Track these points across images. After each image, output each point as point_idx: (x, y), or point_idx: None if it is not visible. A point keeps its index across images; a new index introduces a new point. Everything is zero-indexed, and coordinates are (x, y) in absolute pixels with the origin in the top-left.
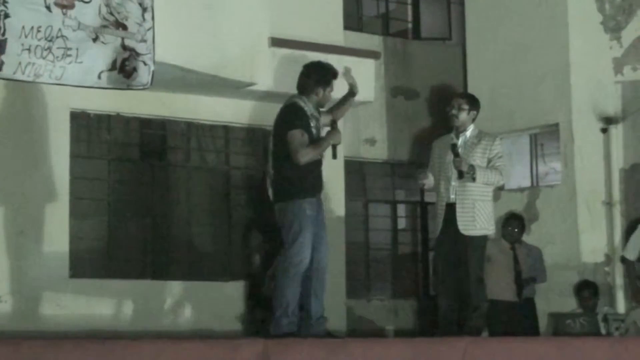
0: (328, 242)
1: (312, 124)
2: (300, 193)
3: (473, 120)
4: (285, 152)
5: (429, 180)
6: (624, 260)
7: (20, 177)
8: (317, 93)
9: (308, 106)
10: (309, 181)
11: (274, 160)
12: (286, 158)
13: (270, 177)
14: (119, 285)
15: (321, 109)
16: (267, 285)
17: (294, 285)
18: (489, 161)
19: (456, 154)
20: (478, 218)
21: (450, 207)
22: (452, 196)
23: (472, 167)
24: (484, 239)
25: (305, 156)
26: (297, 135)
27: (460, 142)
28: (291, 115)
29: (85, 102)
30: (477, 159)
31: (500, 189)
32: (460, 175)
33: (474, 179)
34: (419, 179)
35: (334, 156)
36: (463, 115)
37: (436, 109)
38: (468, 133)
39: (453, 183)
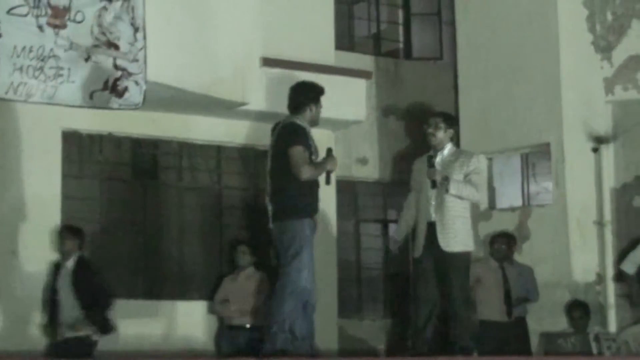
0: (318, 262)
1: (310, 142)
2: (301, 212)
3: (451, 138)
4: (286, 170)
5: (399, 237)
6: (619, 278)
7: (12, 197)
8: (311, 109)
9: (305, 124)
10: (309, 201)
11: (272, 180)
12: (287, 176)
13: (269, 196)
14: None
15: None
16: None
17: (292, 303)
18: (466, 176)
19: (431, 165)
20: (459, 235)
21: (431, 226)
22: (433, 215)
23: (446, 178)
24: (466, 255)
25: (306, 172)
26: (299, 151)
27: (438, 160)
28: (292, 133)
29: (77, 122)
30: (455, 175)
31: (491, 208)
32: (433, 185)
33: (447, 190)
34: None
35: (328, 182)
36: (440, 134)
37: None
38: (446, 151)
39: (433, 202)
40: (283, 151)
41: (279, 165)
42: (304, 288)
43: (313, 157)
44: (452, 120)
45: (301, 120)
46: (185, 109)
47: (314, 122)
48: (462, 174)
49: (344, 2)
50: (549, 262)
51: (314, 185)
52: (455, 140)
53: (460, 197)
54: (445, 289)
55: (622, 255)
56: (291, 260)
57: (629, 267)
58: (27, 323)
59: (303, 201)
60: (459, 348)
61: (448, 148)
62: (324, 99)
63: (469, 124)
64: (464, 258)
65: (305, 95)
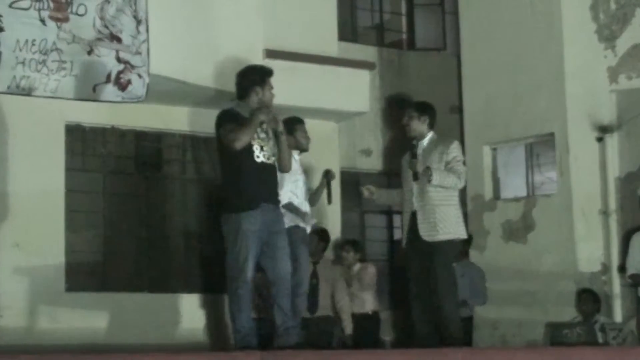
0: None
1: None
2: (235, 207)
3: (431, 127)
4: (222, 161)
5: (370, 194)
6: (632, 276)
7: (15, 190)
8: (257, 92)
9: (243, 109)
10: (247, 193)
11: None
12: (223, 168)
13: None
14: (115, 298)
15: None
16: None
17: (238, 301)
18: (447, 164)
19: (414, 155)
20: (440, 223)
21: (413, 216)
22: (415, 204)
23: (428, 169)
24: (449, 243)
25: (237, 140)
26: (223, 130)
27: (419, 150)
28: (220, 119)
29: (80, 115)
30: (434, 163)
31: (495, 198)
32: (415, 177)
33: (429, 181)
34: (363, 193)
35: (329, 201)
36: (414, 124)
37: None
38: (425, 141)
39: (414, 192)
40: (217, 139)
41: (217, 156)
42: (271, 279)
43: (264, 141)
44: (426, 108)
45: (241, 106)
46: (188, 102)
47: (265, 104)
48: (443, 162)
49: None
50: (553, 252)
51: (256, 174)
52: (458, 129)
53: (442, 187)
54: (431, 282)
55: (621, 246)
56: (228, 258)
57: (633, 269)
58: (33, 317)
59: (239, 196)
60: (449, 341)
61: (428, 137)
62: (327, 90)
63: (473, 114)
64: (446, 246)
65: (248, 79)
